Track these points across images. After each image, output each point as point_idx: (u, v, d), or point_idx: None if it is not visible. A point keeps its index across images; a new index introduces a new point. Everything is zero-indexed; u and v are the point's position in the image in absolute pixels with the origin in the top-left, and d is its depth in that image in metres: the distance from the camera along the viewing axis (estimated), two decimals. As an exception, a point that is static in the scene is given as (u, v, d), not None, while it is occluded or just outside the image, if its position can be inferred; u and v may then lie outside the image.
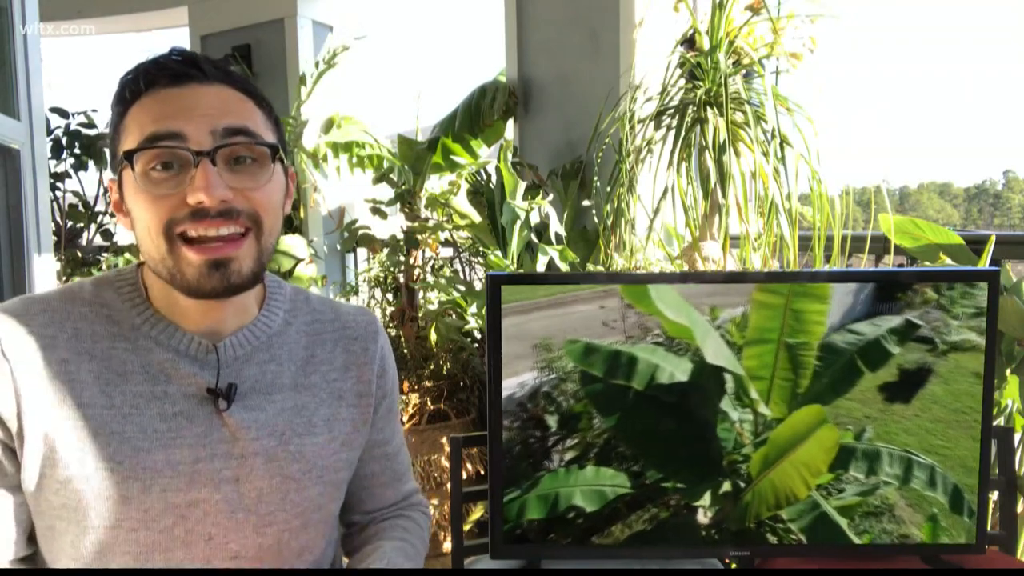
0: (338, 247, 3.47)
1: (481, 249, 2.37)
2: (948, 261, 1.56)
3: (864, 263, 1.86)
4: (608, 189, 2.06)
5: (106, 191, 3.79)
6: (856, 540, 0.88)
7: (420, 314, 2.78)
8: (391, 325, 2.87)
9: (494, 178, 2.35)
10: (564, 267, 2.08)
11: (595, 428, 0.89)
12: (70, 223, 3.73)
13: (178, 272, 0.72)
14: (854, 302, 0.85)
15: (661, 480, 0.89)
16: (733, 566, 0.98)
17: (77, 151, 3.65)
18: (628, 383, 0.87)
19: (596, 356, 0.87)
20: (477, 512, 2.32)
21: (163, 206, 0.71)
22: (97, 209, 3.80)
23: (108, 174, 3.95)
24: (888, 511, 0.87)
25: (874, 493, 0.87)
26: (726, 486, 0.89)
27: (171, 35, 4.20)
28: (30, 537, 0.79)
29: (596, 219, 2.31)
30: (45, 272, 1.82)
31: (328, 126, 3.34)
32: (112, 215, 3.77)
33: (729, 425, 0.88)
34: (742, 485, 0.89)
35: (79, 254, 3.58)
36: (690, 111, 1.87)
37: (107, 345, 0.76)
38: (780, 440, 0.87)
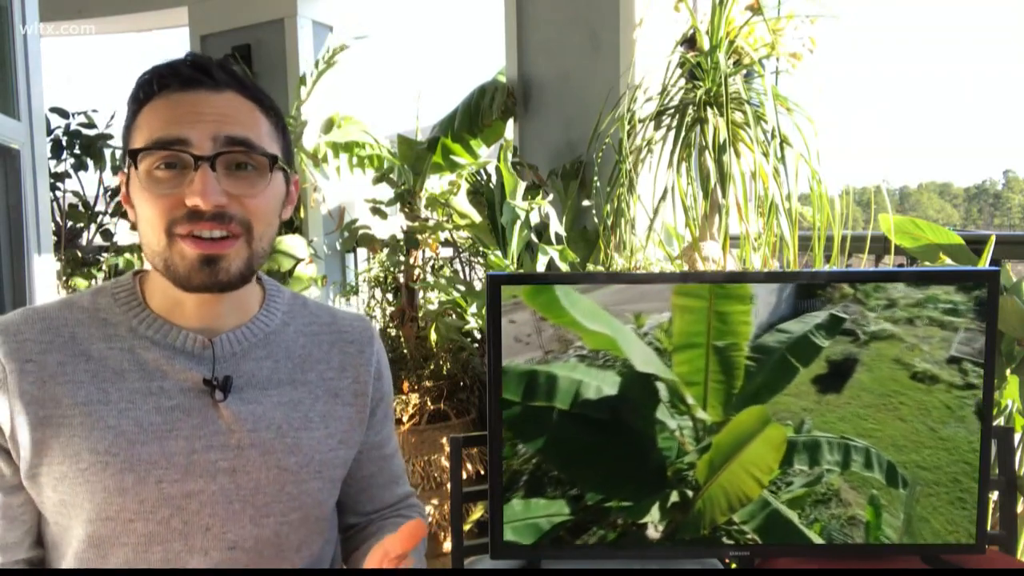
0: (338, 247, 3.47)
1: (481, 249, 2.37)
2: (948, 261, 1.55)
3: (864, 263, 1.86)
4: (608, 189, 2.06)
5: (107, 191, 3.80)
6: (808, 532, 0.88)
7: (420, 314, 2.78)
8: (391, 325, 2.87)
9: (494, 178, 2.35)
10: (564, 267, 2.08)
11: (520, 455, 0.86)
12: (70, 223, 3.73)
13: (171, 264, 0.75)
14: (778, 300, 0.86)
15: (603, 501, 0.87)
16: (733, 566, 0.98)
17: (77, 151, 3.64)
18: (550, 403, 0.86)
19: (508, 379, 0.85)
20: (477, 512, 2.32)
21: (164, 205, 0.74)
22: (97, 209, 3.79)
23: (108, 174, 3.95)
24: (834, 496, 0.88)
25: (820, 481, 0.88)
26: (674, 497, 0.88)
27: (171, 35, 4.20)
28: (39, 542, 0.81)
29: (596, 219, 2.31)
30: (45, 272, 1.82)
31: (328, 126, 3.34)
32: (112, 215, 3.77)
33: (669, 434, 0.87)
34: (691, 493, 0.88)
35: (79, 254, 3.58)
36: (690, 111, 1.87)
37: (104, 346, 0.78)
38: (725, 444, 0.87)
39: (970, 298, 0.85)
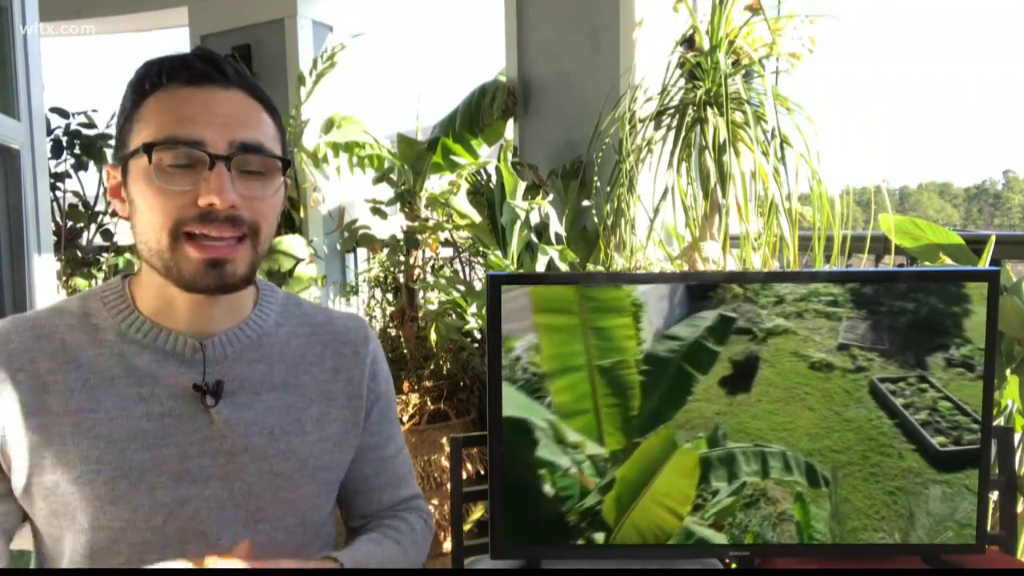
0: (338, 247, 3.47)
1: (481, 249, 2.37)
2: (948, 261, 1.55)
3: (864, 263, 1.86)
4: (608, 189, 2.06)
5: (107, 191, 3.79)
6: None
7: (420, 314, 2.78)
8: (391, 325, 2.87)
9: (494, 178, 2.35)
10: (564, 267, 2.08)
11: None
12: (70, 223, 3.73)
13: (175, 266, 0.74)
14: (670, 307, 0.81)
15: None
16: (733, 566, 0.98)
17: (77, 151, 3.65)
18: None
19: None
20: (477, 512, 2.32)
21: (173, 204, 0.72)
22: (97, 209, 3.80)
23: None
24: (762, 495, 0.87)
25: (746, 485, 0.86)
26: (582, 545, 0.81)
27: (171, 35, 4.20)
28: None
29: (596, 219, 2.31)
30: (45, 272, 1.82)
31: (328, 126, 3.34)
32: (112, 215, 3.76)
33: (563, 473, 0.78)
34: (601, 539, 0.81)
35: (79, 254, 3.58)
36: (690, 111, 1.87)
37: (93, 352, 0.77)
38: (631, 477, 0.80)
39: (846, 290, 0.85)
